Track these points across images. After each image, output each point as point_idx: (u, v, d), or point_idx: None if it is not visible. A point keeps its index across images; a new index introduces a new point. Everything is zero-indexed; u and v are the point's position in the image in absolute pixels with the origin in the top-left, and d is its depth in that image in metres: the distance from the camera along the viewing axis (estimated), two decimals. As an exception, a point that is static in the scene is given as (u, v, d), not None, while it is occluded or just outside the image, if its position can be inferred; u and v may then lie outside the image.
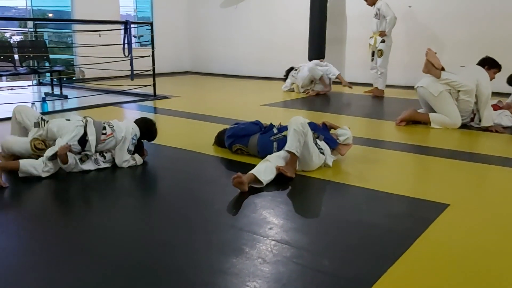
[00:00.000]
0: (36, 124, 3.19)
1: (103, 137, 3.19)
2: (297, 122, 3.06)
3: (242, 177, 2.79)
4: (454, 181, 3.23)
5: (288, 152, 3.05)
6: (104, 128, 3.22)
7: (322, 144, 3.35)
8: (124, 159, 3.26)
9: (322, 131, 3.49)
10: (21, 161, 2.98)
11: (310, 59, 8.43)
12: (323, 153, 3.29)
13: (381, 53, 7.16)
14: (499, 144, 4.36)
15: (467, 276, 1.90)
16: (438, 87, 4.84)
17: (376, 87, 7.40)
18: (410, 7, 7.56)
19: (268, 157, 3.10)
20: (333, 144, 3.45)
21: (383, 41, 7.15)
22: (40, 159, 3.02)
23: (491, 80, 4.93)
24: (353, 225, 2.42)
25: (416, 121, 5.03)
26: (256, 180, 2.87)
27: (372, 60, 7.37)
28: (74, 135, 3.09)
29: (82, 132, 3.13)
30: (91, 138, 3.14)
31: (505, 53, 6.33)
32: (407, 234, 2.26)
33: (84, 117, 3.25)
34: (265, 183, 2.89)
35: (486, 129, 4.78)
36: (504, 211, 2.64)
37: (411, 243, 2.15)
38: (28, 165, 2.98)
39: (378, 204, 2.76)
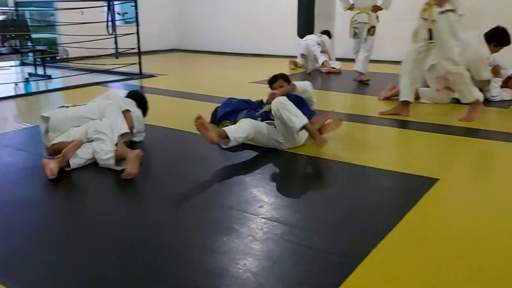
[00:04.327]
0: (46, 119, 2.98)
1: None
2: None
3: (203, 119, 2.75)
4: (443, 155, 3.24)
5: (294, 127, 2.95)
6: None
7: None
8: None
9: (259, 105, 3.48)
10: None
11: (299, 34, 8.33)
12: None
13: (374, 30, 6.15)
14: (488, 117, 4.37)
15: (456, 249, 1.91)
16: (428, 61, 4.79)
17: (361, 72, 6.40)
18: None
19: (244, 119, 3.09)
20: (309, 112, 3.30)
21: (376, 17, 6.18)
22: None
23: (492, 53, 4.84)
24: (343, 201, 2.43)
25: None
26: (225, 136, 2.85)
27: (357, 39, 6.28)
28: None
29: None
30: None
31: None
32: (397, 209, 2.26)
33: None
34: (232, 140, 2.86)
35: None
36: (493, 184, 2.66)
37: (400, 218, 2.16)
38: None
39: (367, 179, 2.77)
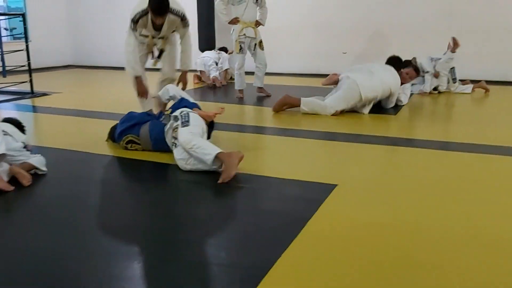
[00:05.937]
0: None
1: None
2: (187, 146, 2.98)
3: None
4: (340, 162, 3.41)
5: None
6: None
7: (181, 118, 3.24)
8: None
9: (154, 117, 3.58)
10: None
11: (200, 49, 8.33)
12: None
13: (262, 44, 6.16)
14: (380, 124, 4.70)
15: (357, 250, 2.01)
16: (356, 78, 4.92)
17: (259, 87, 6.39)
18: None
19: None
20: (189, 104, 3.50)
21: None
22: None
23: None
24: (247, 213, 2.45)
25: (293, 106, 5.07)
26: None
27: (242, 54, 6.14)
28: None
29: None
30: None
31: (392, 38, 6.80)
32: (300, 217, 2.32)
33: None
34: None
35: None
36: (386, 186, 2.84)
37: (304, 225, 2.22)
38: None
39: (270, 190, 2.81)
